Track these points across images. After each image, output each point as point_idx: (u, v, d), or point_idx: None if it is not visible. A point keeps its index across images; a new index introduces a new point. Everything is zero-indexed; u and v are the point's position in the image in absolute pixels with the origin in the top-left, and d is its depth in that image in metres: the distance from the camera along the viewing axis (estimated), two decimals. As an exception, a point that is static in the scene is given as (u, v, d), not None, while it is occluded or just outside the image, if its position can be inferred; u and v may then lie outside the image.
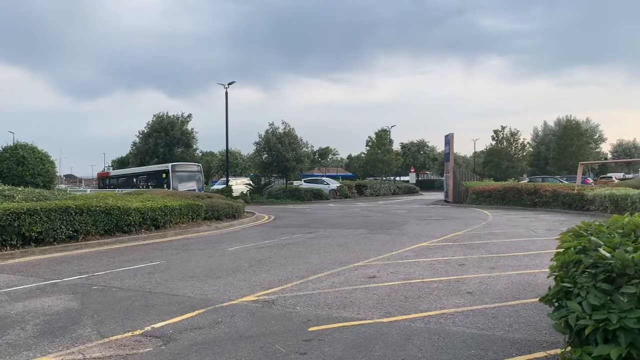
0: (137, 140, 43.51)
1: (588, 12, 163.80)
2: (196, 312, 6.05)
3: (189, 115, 43.54)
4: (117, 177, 45.77)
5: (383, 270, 8.61)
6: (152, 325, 5.52)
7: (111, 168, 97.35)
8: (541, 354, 4.40)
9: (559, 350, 4.11)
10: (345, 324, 5.45)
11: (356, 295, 6.76)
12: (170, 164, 38.04)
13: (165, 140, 40.88)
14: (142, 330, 5.35)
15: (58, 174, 39.53)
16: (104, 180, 47.32)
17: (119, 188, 39.59)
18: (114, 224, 13.73)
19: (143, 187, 37.70)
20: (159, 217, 15.31)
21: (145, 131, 42.91)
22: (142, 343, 4.95)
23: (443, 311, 5.91)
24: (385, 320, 5.59)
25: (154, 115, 43.17)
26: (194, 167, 39.34)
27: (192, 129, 43.67)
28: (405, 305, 6.23)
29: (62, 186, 49.11)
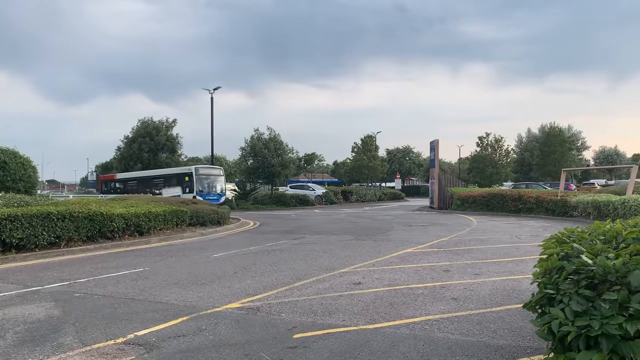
0: (122, 145, 43.10)
1: (569, 20, 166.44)
2: (180, 320, 5.99)
3: (174, 121, 43.34)
4: (126, 180, 41.35)
5: (368, 277, 8.60)
6: (135, 333, 5.45)
7: (95, 174, 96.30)
8: (525, 360, 4.42)
9: (542, 357, 4.14)
10: (330, 330, 5.43)
11: (341, 302, 6.75)
12: (194, 165, 36.04)
13: (150, 145, 40.57)
14: (125, 338, 5.28)
15: (40, 180, 38.95)
16: (107, 184, 42.78)
17: (127, 194, 36.38)
18: (97, 230, 13.57)
19: (158, 193, 34.90)
20: (143, 223, 15.18)
21: (130, 136, 42.57)
22: (124, 351, 4.88)
23: (428, 317, 5.92)
24: (370, 326, 5.58)
25: (139, 120, 42.90)
26: (216, 170, 37.00)
27: (177, 134, 43.47)
28: (390, 311, 6.23)
29: (45, 192, 48.48)
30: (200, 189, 34.00)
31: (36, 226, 11.83)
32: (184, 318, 6.06)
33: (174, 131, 43.21)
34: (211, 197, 33.27)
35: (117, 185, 41.39)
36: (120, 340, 5.23)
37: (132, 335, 5.37)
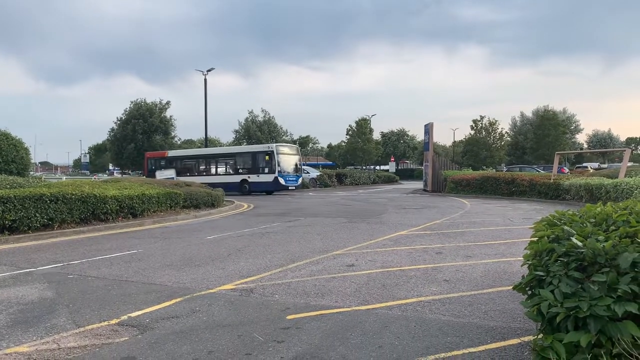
0: (115, 127, 42.84)
1: (565, 3, 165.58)
2: (173, 301, 6.01)
3: (168, 102, 43.12)
4: (182, 159, 36.69)
5: (361, 259, 8.65)
6: (129, 315, 5.47)
7: (88, 155, 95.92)
8: (515, 341, 4.47)
9: (532, 337, 4.19)
10: (323, 312, 5.47)
11: (334, 284, 6.79)
12: (275, 144, 33.09)
13: (144, 127, 40.39)
14: (119, 320, 5.30)
15: (33, 161, 38.65)
16: (156, 163, 37.38)
17: (180, 175, 33.22)
18: (91, 212, 13.55)
19: (223, 174, 32.59)
20: (137, 206, 15.16)
21: (123, 118, 42.31)
22: (118, 332, 4.90)
23: (420, 299, 5.97)
24: (362, 308, 5.62)
25: (132, 102, 42.65)
26: (294, 148, 34.56)
27: (170, 116, 43.35)
28: (382, 293, 6.28)
29: (37, 173, 48.24)
30: (281, 170, 31.24)
31: (29, 208, 11.79)
32: (178, 299, 6.09)
33: (168, 113, 43.00)
34: (290, 179, 31.87)
35: (168, 164, 36.59)
36: (113, 321, 5.25)
37: (125, 317, 5.40)
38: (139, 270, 7.97)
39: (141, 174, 42.21)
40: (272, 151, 30.97)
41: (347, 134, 58.84)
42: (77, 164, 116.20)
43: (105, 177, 49.54)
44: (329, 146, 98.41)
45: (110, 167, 70.06)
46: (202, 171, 35.08)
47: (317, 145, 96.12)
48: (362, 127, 55.87)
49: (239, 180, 32.61)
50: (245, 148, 35.92)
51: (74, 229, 12.73)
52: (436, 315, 5.33)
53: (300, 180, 33.40)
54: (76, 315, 5.47)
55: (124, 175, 42.87)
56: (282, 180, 31.08)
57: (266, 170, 31.37)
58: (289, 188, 32.01)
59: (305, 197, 29.91)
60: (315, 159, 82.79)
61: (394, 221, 14.89)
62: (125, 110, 42.66)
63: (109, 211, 14.08)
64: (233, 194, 31.01)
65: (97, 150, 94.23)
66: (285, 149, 33.16)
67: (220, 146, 40.94)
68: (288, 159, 32.34)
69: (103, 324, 5.17)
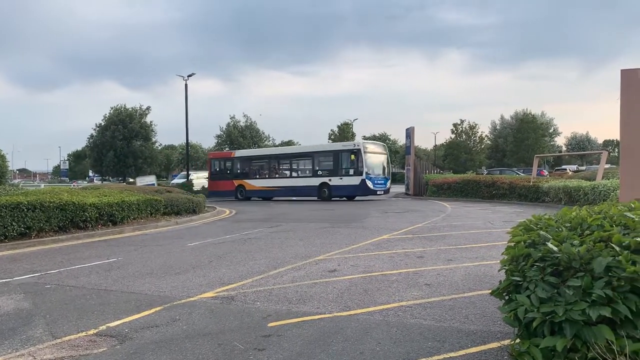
0: (94, 133, 42.32)
1: (544, 7, 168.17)
2: (153, 310, 5.94)
3: (148, 108, 42.70)
4: (250, 159, 32.58)
5: (344, 264, 8.65)
6: (107, 325, 5.39)
7: (67, 162, 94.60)
8: (495, 345, 4.50)
9: (511, 342, 4.21)
10: (304, 318, 5.45)
11: (316, 289, 6.77)
12: (362, 141, 29.36)
13: (124, 133, 39.92)
14: (97, 330, 5.22)
15: (10, 169, 37.91)
16: (222, 164, 33.90)
17: (248, 178, 31.14)
18: (69, 220, 13.35)
19: (298, 177, 29.37)
20: (117, 213, 14.98)
21: (103, 124, 41.80)
22: (96, 343, 4.83)
23: (401, 303, 5.98)
24: (344, 314, 5.61)
25: (112, 108, 42.11)
26: (382, 147, 30.35)
27: (151, 121, 42.86)
28: (364, 298, 6.27)
29: (15, 181, 47.43)
30: (369, 172, 27.10)
31: (5, 217, 11.58)
32: (158, 308, 6.02)
33: (148, 119, 42.61)
34: (379, 182, 27.89)
35: (234, 165, 32.96)
36: (92, 331, 5.17)
37: (104, 327, 5.32)
38: (119, 278, 7.87)
39: (121, 181, 41.74)
40: (359, 149, 26.88)
41: (329, 139, 59.05)
42: (57, 171, 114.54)
43: (84, 184, 48.93)
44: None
45: (90, 174, 69.18)
46: (273, 174, 31.23)
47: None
48: (344, 132, 56.12)
49: (317, 184, 28.73)
50: (325, 146, 31.47)
51: (52, 238, 12.53)
52: (417, 319, 5.34)
53: (389, 183, 29.18)
54: (53, 326, 5.37)
55: (103, 182, 42.32)
56: (370, 184, 27.10)
57: (351, 172, 27.34)
58: (377, 193, 28.00)
59: (288, 202, 29.85)
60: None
61: (377, 225, 14.93)
62: (105, 116, 42.18)
63: (88, 219, 13.89)
64: (291, 200, 29.85)
65: (76, 157, 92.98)
66: (373, 147, 29.14)
67: (295, 145, 36.44)
68: (377, 158, 28.24)
69: (81, 334, 5.09)
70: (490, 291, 5.59)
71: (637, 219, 3.16)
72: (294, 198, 30.26)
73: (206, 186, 36.77)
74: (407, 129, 34.83)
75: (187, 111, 36.54)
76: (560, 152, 71.64)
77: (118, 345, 4.74)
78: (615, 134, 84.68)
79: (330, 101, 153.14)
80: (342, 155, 27.98)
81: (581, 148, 79.07)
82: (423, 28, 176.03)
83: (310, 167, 29.75)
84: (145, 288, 7.15)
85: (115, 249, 11.27)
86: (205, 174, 42.71)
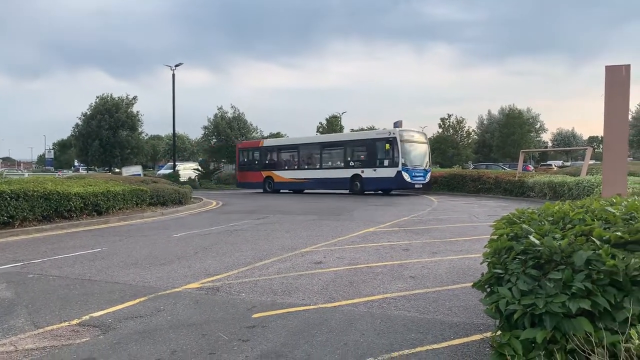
0: (80, 122, 41.84)
1: (532, 3, 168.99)
2: (137, 300, 5.92)
3: (135, 98, 42.27)
4: (279, 149, 30.85)
5: (329, 256, 8.67)
6: (91, 315, 5.36)
7: (52, 151, 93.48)
8: (477, 337, 4.55)
9: (493, 333, 4.26)
10: (289, 309, 5.46)
11: (302, 281, 6.78)
12: (397, 128, 25.79)
13: (110, 122, 39.51)
14: (80, 320, 5.19)
15: (-7, 157, 37.41)
16: (250, 153, 32.07)
17: (278, 169, 29.54)
18: (53, 209, 13.22)
19: (329, 168, 27.22)
20: (102, 203, 14.86)
21: (89, 113, 41.33)
22: (79, 333, 4.80)
23: (386, 295, 6.01)
24: (329, 305, 5.63)
25: (97, 97, 41.61)
26: (421, 135, 27.60)
27: (137, 111, 42.47)
28: (349, 290, 6.30)
29: (-1, 170, 46.83)
30: (406, 163, 24.71)
31: (-12, 205, 11.43)
32: (142, 299, 5.99)
33: (135, 108, 42.22)
34: (417, 175, 25.39)
35: (262, 156, 31.17)
36: (75, 321, 5.14)
37: (87, 317, 5.28)
38: (103, 268, 7.82)
39: (107, 171, 41.40)
40: (395, 138, 24.42)
41: (317, 131, 59.00)
42: (41, 160, 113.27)
43: (70, 173, 48.43)
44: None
45: (76, 164, 68.50)
46: (302, 165, 29.21)
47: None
48: (332, 124, 56.11)
49: (349, 176, 26.62)
50: (357, 135, 29.17)
51: (36, 227, 12.41)
52: (401, 311, 5.38)
53: (428, 176, 26.55)
54: (35, 316, 5.33)
55: (89, 172, 41.87)
56: (407, 176, 24.69)
57: (386, 162, 24.94)
58: (415, 186, 25.61)
59: (275, 194, 29.82)
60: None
61: (363, 218, 14.97)
62: (91, 105, 41.68)
63: (73, 208, 13.77)
64: (307, 193, 28.39)
65: (62, 146, 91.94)
66: (411, 135, 26.28)
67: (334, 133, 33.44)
68: (415, 148, 25.78)
69: (63, 324, 5.05)
70: (473, 282, 5.65)
71: (617, 214, 3.21)
72: (324, 191, 28.49)
73: (192, 177, 36.62)
74: (395, 123, 34.86)
75: (174, 101, 36.31)
76: (546, 147, 72.27)
77: (101, 336, 4.72)
78: (600, 131, 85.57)
79: (318, 93, 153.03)
80: (375, 145, 25.56)
81: (566, 144, 79.84)
82: (411, 22, 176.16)
83: (342, 157, 27.50)
84: (130, 278, 7.11)
85: (100, 239, 11.19)
86: (193, 164, 42.57)
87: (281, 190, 29.93)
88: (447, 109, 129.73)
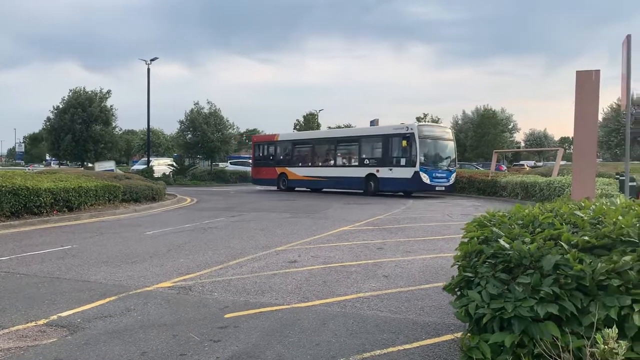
0: (52, 116, 40.95)
1: (510, 5, 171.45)
2: (107, 300, 5.82)
3: (109, 92, 41.53)
4: (294, 144, 28.90)
5: (304, 255, 8.66)
6: (59, 314, 5.25)
7: (23, 145, 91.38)
8: (449, 337, 4.59)
9: (462, 335, 4.31)
10: (262, 309, 5.43)
11: (275, 281, 6.76)
12: (416, 123, 23.70)
13: (83, 116, 38.73)
14: (47, 320, 5.07)
15: (-40, 150, 36.38)
16: (265, 148, 30.62)
17: (293, 166, 27.85)
18: (22, 205, 12.91)
19: (343, 166, 25.41)
20: (73, 199, 14.58)
21: (61, 106, 40.47)
22: (46, 333, 4.69)
23: (359, 295, 6.03)
24: (302, 305, 5.62)
25: (70, 90, 40.76)
26: (444, 130, 25.11)
27: (111, 105, 41.71)
28: (323, 289, 6.30)
29: (-34, 163, 45.55)
30: (425, 162, 22.35)
31: (-47, 201, 11.11)
32: (112, 298, 5.89)
33: (109, 102, 41.50)
34: (439, 176, 22.98)
35: (279, 151, 29.43)
36: (42, 321, 5.02)
37: (55, 317, 5.17)
38: (73, 266, 7.67)
39: (80, 166, 40.64)
40: (412, 134, 21.99)
41: (294, 128, 58.91)
42: (11, 153, 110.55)
43: (41, 167, 47.39)
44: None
45: (48, 158, 67.08)
46: (316, 162, 27.05)
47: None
48: (309, 122, 56.06)
49: (363, 176, 24.31)
50: (372, 130, 25.67)
51: (4, 223, 12.10)
52: (374, 311, 5.40)
53: (453, 177, 23.92)
54: (1, 316, 5.19)
55: (61, 167, 41.02)
56: (426, 178, 22.29)
57: (402, 161, 22.55)
58: (436, 189, 23.24)
59: (250, 191, 29.70)
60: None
61: (338, 216, 15.00)
62: (64, 99, 40.81)
63: (43, 204, 13.47)
64: (296, 192, 26.96)
65: (33, 140, 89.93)
66: (432, 130, 23.95)
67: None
68: (436, 145, 23.26)
69: (30, 324, 4.93)
70: (444, 285, 5.70)
71: (585, 218, 3.27)
72: (335, 190, 26.63)
73: (167, 173, 36.20)
74: (371, 121, 34.97)
75: (149, 96, 35.84)
76: (519, 147, 73.37)
77: (69, 336, 4.62)
78: (571, 132, 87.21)
79: (297, 90, 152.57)
80: (391, 141, 23.11)
81: (538, 144, 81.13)
82: (391, 20, 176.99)
83: (357, 154, 25.22)
84: (100, 277, 6.99)
85: (70, 235, 10.98)
86: (168, 160, 42.06)
87: (296, 189, 28.23)
88: (425, 108, 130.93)
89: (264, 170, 29.70)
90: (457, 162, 25.01)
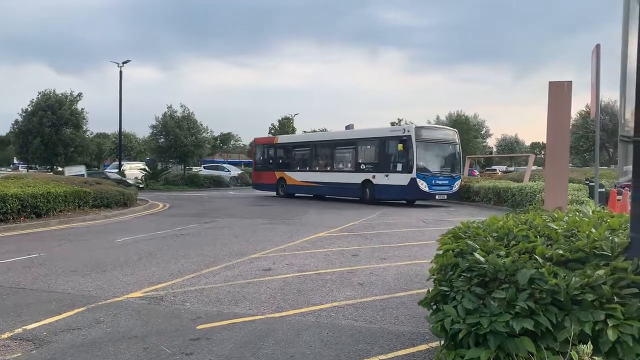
0: (20, 118, 39.92)
1: (480, 12, 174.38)
2: (76, 311, 5.65)
3: (79, 95, 40.64)
4: (293, 147, 27.37)
5: (279, 262, 8.58)
6: (24, 327, 5.07)
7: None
8: (424, 347, 4.57)
9: (438, 344, 4.30)
10: (236, 320, 5.34)
11: (249, 289, 6.67)
12: (414, 125, 22.10)
13: (52, 119, 37.84)
14: (12, 333, 4.90)
15: None
16: (266, 151, 29.25)
17: (291, 171, 26.32)
18: (-13, 211, 12.53)
19: (339, 171, 23.77)
20: (41, 204, 14.21)
21: (30, 109, 39.49)
22: (9, 348, 4.52)
23: (334, 304, 5.99)
24: (277, 315, 5.55)
25: (39, 93, 39.80)
26: (447, 132, 23.25)
27: (82, 108, 40.85)
28: (298, 299, 6.24)
29: None
30: (423, 168, 20.57)
31: None
32: (81, 309, 5.73)
33: (80, 105, 40.65)
34: (439, 183, 21.13)
35: (278, 154, 28.07)
36: (5, 335, 4.84)
37: (20, 330, 5.00)
38: (40, 276, 7.45)
39: (49, 170, 39.72)
40: (409, 136, 20.26)
41: (269, 133, 58.72)
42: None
43: (8, 172, 46.17)
44: (251, 144, 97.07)
45: (15, 161, 65.43)
46: (314, 166, 25.45)
47: (239, 142, 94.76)
48: (284, 127, 55.96)
49: (360, 182, 22.56)
50: (369, 132, 23.56)
51: (-32, 230, 11.73)
52: (349, 321, 5.36)
53: (457, 184, 21.94)
54: (-38, 330, 4.99)
55: (29, 171, 40.01)
56: (423, 185, 20.50)
57: (399, 167, 20.79)
58: (436, 197, 21.50)
59: (225, 196, 29.45)
60: (237, 156, 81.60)
61: (314, 222, 14.95)
62: (32, 101, 39.83)
63: (9, 211, 13.09)
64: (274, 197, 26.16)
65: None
66: (432, 133, 22.16)
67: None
68: (437, 149, 21.55)
69: (-7, 339, 4.75)
70: (421, 291, 5.68)
71: (559, 231, 3.29)
72: (334, 197, 24.89)
73: (139, 177, 35.62)
74: (346, 126, 35.03)
75: (120, 99, 35.34)
76: (491, 153, 74.51)
77: (34, 350, 4.46)
78: (541, 137, 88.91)
79: (271, 93, 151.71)
80: (388, 144, 21.30)
81: (510, 149, 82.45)
82: (364, 26, 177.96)
83: (353, 158, 23.43)
84: (68, 287, 6.80)
85: (37, 243, 10.68)
86: (140, 164, 41.41)
87: (296, 195, 26.64)
88: (399, 113, 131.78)
89: (264, 174, 28.60)
90: (462, 169, 22.98)
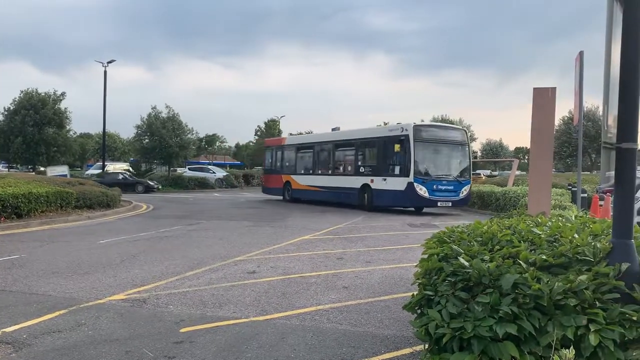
0: (1, 117, 39.37)
1: (466, 18, 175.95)
2: (57, 313, 5.57)
3: (63, 94, 40.19)
4: (298, 148, 25.73)
5: (263, 265, 8.55)
6: (3, 330, 4.98)
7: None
8: (408, 350, 4.58)
9: (424, 347, 4.31)
10: (219, 323, 5.31)
11: (234, 292, 6.63)
12: (412, 123, 18.98)
13: (35, 119, 37.37)
14: (-10, 336, 4.81)
15: None
16: (274, 153, 27.60)
17: (296, 174, 25.11)
18: (-33, 211, 12.32)
19: (340, 174, 22.28)
20: (22, 205, 14.01)
21: (12, 108, 38.95)
22: (-12, 351, 4.44)
23: (319, 307, 5.97)
24: (261, 318, 5.53)
25: (22, 91, 39.28)
26: (452, 131, 20.96)
27: (65, 108, 40.40)
28: (282, 302, 6.22)
29: None
30: (422, 171, 18.65)
31: None
32: (62, 312, 5.65)
33: (63, 105, 40.19)
34: (443, 188, 18.96)
35: (285, 156, 26.44)
36: (-16, 338, 4.76)
37: (-1, 333, 4.92)
38: (20, 278, 7.33)
39: (31, 170, 39.19)
40: (407, 136, 18.25)
41: (255, 135, 58.61)
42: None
43: (-12, 171, 45.41)
44: (237, 146, 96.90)
45: (-4, 160, 64.51)
46: (317, 169, 24.01)
47: (224, 144, 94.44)
48: (271, 129, 55.88)
49: (358, 186, 20.82)
50: (368, 131, 21.74)
51: (-54, 231, 11.52)
52: (334, 324, 5.35)
53: (465, 190, 19.58)
54: (-61, 333, 4.89)
55: (10, 171, 39.45)
56: (422, 190, 18.43)
57: (396, 170, 18.90)
58: (439, 204, 19.10)
59: (209, 198, 29.29)
60: (222, 158, 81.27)
61: (299, 225, 14.93)
62: (14, 100, 39.32)
63: (-11, 211, 12.89)
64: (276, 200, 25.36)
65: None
66: (433, 131, 19.84)
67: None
68: (439, 150, 19.32)
69: (-29, 342, 4.67)
70: (405, 294, 5.69)
71: (543, 236, 3.32)
72: (334, 202, 22.99)
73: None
74: (332, 129, 35.11)
75: (105, 99, 35.04)
76: (476, 157, 75.05)
77: (13, 354, 4.39)
78: (525, 142, 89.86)
79: (257, 95, 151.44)
80: (385, 145, 19.40)
81: (494, 154, 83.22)
82: (350, 29, 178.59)
83: (352, 161, 21.73)
84: (50, 289, 6.71)
85: (18, 244, 10.53)
86: (124, 165, 41.08)
87: (301, 199, 25.07)
88: (385, 117, 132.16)
89: (272, 178, 27.30)
90: (471, 172, 20.88)
